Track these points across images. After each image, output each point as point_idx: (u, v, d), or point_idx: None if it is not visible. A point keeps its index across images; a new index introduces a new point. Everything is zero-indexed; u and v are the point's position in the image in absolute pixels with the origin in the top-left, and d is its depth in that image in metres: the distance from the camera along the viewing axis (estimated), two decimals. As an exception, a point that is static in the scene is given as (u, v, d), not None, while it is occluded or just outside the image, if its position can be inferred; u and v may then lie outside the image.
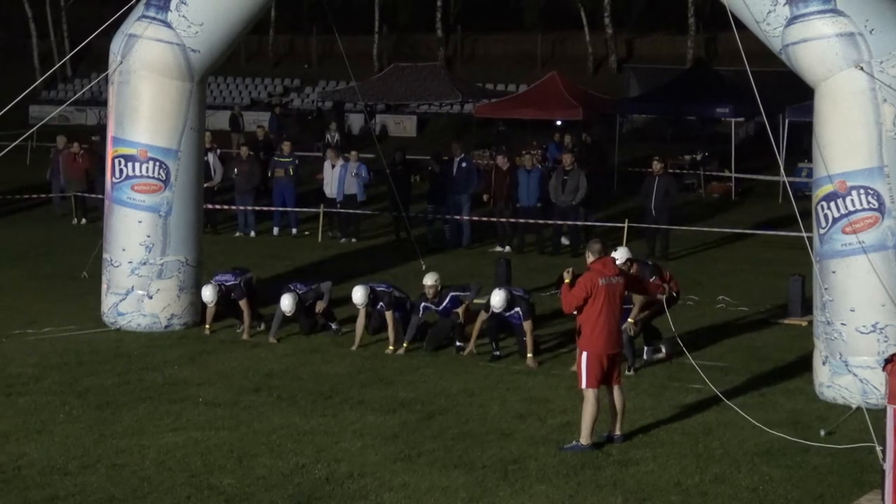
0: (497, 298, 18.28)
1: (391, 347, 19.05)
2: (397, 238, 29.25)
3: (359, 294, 19.20)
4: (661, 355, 18.67)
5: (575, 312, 15.25)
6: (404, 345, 19.05)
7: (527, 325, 18.42)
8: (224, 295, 20.01)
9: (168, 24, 19.88)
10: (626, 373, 17.62)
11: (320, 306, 20.13)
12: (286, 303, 19.61)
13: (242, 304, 20.03)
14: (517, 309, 18.41)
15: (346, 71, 34.12)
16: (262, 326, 20.32)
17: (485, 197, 29.61)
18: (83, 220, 31.92)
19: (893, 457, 12.00)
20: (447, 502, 12.91)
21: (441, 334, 19.32)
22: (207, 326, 20.21)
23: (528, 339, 18.40)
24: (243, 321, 20.07)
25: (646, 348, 18.65)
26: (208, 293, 19.92)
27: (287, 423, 15.39)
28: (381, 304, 19.36)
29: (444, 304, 19.30)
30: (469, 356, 18.66)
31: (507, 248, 28.27)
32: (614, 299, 14.62)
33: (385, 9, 62.07)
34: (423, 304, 19.26)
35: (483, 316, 18.62)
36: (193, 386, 17.16)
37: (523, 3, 66.07)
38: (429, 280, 19.31)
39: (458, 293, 19.35)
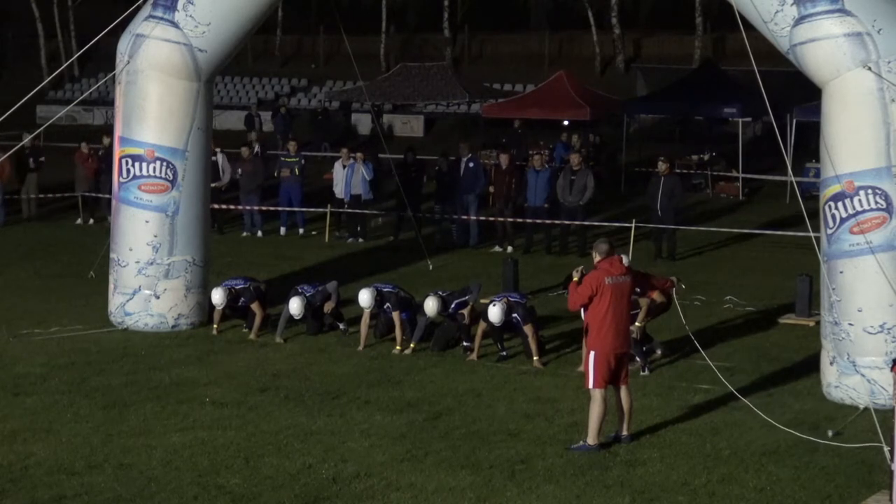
0: (494, 314, 18.26)
1: (398, 348, 19.05)
2: (395, 238, 29.36)
3: (365, 297, 19.20)
4: (656, 355, 18.67)
5: (582, 312, 15.29)
6: (411, 345, 19.04)
7: (527, 329, 18.41)
8: (233, 298, 20.02)
9: (175, 24, 19.88)
10: (641, 373, 17.62)
11: (329, 306, 20.14)
12: (294, 306, 19.61)
13: (254, 306, 20.03)
14: (515, 315, 18.40)
15: (353, 71, 34.07)
16: (269, 328, 20.33)
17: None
18: (90, 220, 31.96)
19: (901, 457, 12.00)
20: (454, 502, 12.91)
21: (447, 335, 19.32)
22: (215, 327, 20.22)
23: (532, 342, 18.39)
24: (252, 323, 20.07)
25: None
26: (218, 296, 19.92)
27: (294, 423, 15.39)
28: (387, 304, 19.36)
29: (450, 311, 19.27)
30: (477, 358, 18.64)
31: (509, 249, 28.21)
32: (622, 299, 14.62)
33: (392, 9, 62.06)
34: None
35: (483, 325, 18.62)
36: (200, 386, 17.17)
37: (531, 3, 66.04)
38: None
39: (461, 299, 19.31)
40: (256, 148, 34.13)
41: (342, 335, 20.05)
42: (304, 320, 20.03)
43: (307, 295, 19.90)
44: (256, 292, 20.19)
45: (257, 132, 45.25)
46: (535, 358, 18.31)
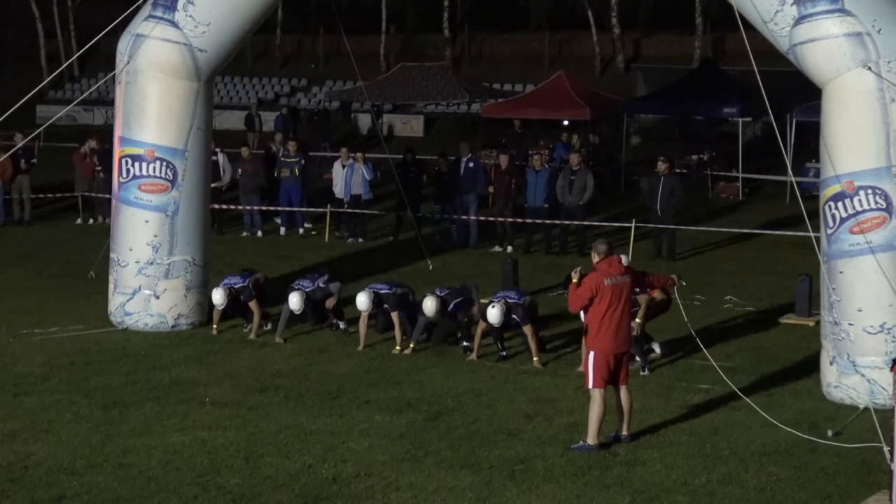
0: (493, 315, 18.24)
1: (398, 347, 19.05)
2: (395, 238, 29.38)
3: (363, 301, 19.19)
4: (655, 354, 18.66)
5: (582, 312, 15.29)
6: (411, 345, 19.04)
7: (526, 330, 18.40)
8: (233, 297, 20.03)
9: (175, 24, 19.88)
10: (641, 373, 17.61)
11: (330, 302, 20.16)
12: (294, 301, 19.62)
13: (252, 304, 20.05)
14: (514, 315, 18.41)
15: (353, 71, 34.08)
16: (269, 326, 20.37)
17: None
18: (90, 220, 31.95)
19: (901, 457, 12.00)
20: (454, 502, 12.91)
21: (446, 329, 19.32)
22: (215, 327, 20.23)
23: (531, 342, 18.39)
24: (252, 321, 20.10)
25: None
26: (218, 296, 19.92)
27: (294, 423, 15.40)
28: (385, 305, 19.37)
29: (450, 310, 19.27)
30: (477, 358, 18.64)
31: (509, 249, 28.22)
32: (621, 299, 14.61)
33: (392, 9, 62.05)
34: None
35: (483, 325, 18.61)
36: (200, 386, 17.17)
37: (530, 3, 66.03)
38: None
39: (458, 299, 19.29)
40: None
41: (342, 335, 20.07)
42: (305, 315, 20.05)
43: (307, 291, 19.91)
44: (255, 288, 20.19)
45: (258, 133, 45.31)
46: (534, 358, 18.31)
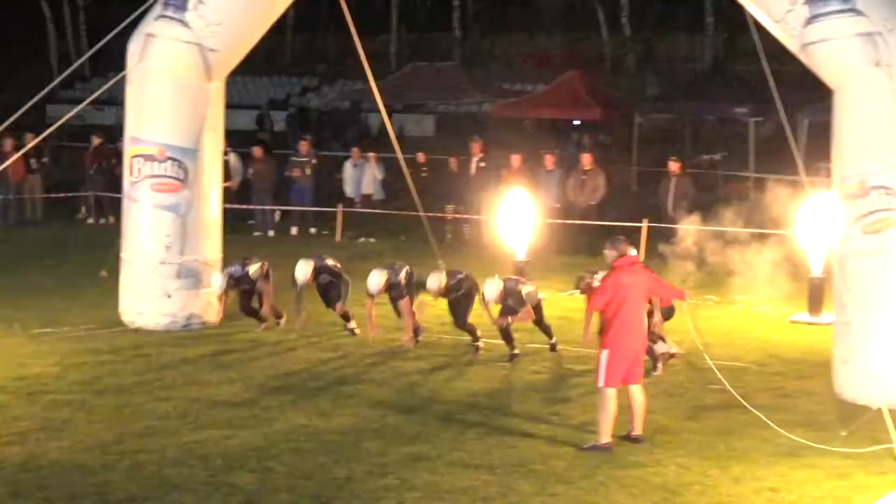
0: (490, 288, 18.39)
1: (406, 338, 19.10)
2: (406, 238, 29.38)
3: (374, 280, 19.15)
4: (668, 354, 18.61)
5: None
6: (419, 339, 19.16)
7: (524, 312, 18.60)
8: (235, 284, 20.08)
9: (186, 24, 19.91)
10: (653, 373, 17.60)
11: (340, 308, 20.07)
12: (301, 270, 19.59)
13: (261, 285, 20.05)
14: (509, 301, 18.53)
15: (363, 70, 34.06)
16: (280, 324, 20.39)
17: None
18: (101, 220, 32.01)
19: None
20: (467, 502, 12.91)
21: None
22: (219, 310, 20.36)
23: (524, 315, 18.49)
24: (262, 322, 20.14)
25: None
26: (218, 281, 20.03)
27: (307, 423, 15.40)
28: (393, 293, 19.35)
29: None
30: (482, 354, 18.70)
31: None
32: (636, 298, 14.60)
33: (403, 8, 62.09)
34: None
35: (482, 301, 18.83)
36: (213, 385, 17.19)
37: (542, 3, 66.06)
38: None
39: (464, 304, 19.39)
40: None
41: (350, 335, 20.08)
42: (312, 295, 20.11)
43: (317, 265, 19.91)
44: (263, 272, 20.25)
45: (269, 132, 45.39)
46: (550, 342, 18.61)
